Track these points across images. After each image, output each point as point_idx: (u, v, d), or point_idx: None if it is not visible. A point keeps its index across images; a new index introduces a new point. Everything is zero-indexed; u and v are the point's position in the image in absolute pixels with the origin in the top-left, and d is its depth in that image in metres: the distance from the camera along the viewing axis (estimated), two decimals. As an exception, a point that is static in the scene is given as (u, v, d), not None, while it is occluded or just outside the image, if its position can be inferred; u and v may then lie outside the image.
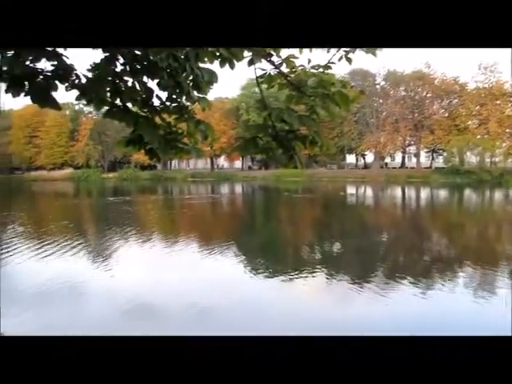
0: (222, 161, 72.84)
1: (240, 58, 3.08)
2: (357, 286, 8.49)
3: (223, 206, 27.77)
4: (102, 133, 67.36)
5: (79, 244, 13.85)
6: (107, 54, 2.98)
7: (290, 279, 9.18)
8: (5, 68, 2.48)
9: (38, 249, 12.93)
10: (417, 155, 58.02)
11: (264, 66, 2.43)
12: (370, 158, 62.87)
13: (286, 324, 6.57)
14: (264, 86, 2.50)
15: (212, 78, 2.90)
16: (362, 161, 65.99)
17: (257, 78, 2.39)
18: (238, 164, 72.66)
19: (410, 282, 8.60)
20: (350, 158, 66.36)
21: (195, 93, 2.93)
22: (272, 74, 2.39)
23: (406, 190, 39.76)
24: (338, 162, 63.03)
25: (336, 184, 45.98)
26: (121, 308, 7.53)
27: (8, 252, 12.54)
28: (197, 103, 2.95)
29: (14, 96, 2.43)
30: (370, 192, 39.97)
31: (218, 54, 3.00)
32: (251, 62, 2.40)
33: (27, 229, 17.95)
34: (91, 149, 67.73)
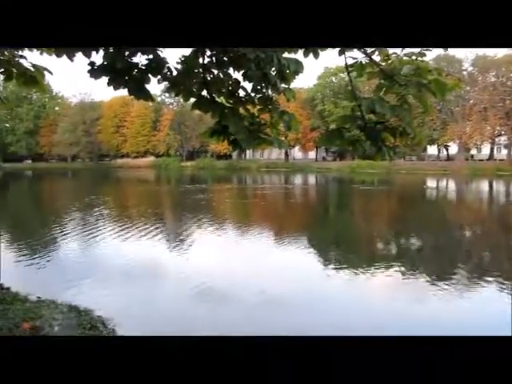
0: (296, 151, 72.53)
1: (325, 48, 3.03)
2: (434, 284, 8.06)
3: (296, 197, 27.71)
4: (181, 123, 70.37)
5: (157, 228, 14.69)
6: (195, 48, 3.09)
7: (363, 274, 8.94)
8: (106, 63, 2.68)
9: (121, 230, 13.97)
10: (508, 146, 53.26)
11: (355, 55, 2.36)
12: (453, 149, 58.92)
13: (353, 319, 6.44)
14: (353, 75, 2.43)
15: (298, 67, 2.89)
16: (445, 152, 62.03)
17: (347, 66, 2.33)
18: (311, 155, 71.94)
19: (494, 282, 7.98)
20: (432, 150, 62.66)
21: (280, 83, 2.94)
22: (363, 62, 2.31)
23: (495, 184, 36.69)
24: (418, 153, 59.84)
25: (415, 176, 43.75)
26: (193, 290, 7.88)
27: (95, 232, 13.71)
28: (281, 94, 2.96)
29: (115, 88, 2.61)
30: (452, 185, 37.49)
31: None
32: (342, 51, 2.34)
33: (112, 212, 19.38)
34: (171, 138, 71.17)
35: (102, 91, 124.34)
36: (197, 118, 69.23)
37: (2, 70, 3.25)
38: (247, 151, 73.38)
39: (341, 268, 9.37)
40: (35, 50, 3.43)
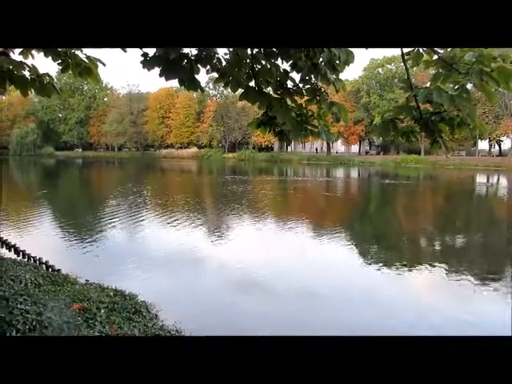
0: (339, 145, 71.40)
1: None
2: (480, 284, 7.70)
3: (337, 190, 27.31)
4: (224, 115, 71.05)
5: (198, 217, 14.97)
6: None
7: (404, 271, 8.70)
8: (158, 54, 2.72)
9: (163, 218, 14.36)
10: None
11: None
12: (506, 144, 55.91)
13: (391, 316, 6.28)
14: (409, 64, 2.32)
15: (348, 57, 2.81)
16: (497, 147, 58.96)
17: (403, 55, 2.23)
18: (354, 148, 70.57)
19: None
20: (483, 145, 59.78)
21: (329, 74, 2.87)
22: (421, 50, 2.20)
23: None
24: (467, 148, 57.30)
25: (464, 172, 41.92)
26: (232, 279, 7.98)
27: (139, 219, 14.17)
28: (331, 84, 2.89)
29: (166, 79, 2.64)
30: (504, 182, 35.61)
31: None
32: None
33: (155, 200, 19.92)
34: (214, 130, 72.05)
35: (149, 83, 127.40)
36: (240, 110, 69.68)
37: (60, 61, 3.38)
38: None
39: (382, 264, 9.15)
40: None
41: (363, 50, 3.03)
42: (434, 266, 8.91)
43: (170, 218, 14.56)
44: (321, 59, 2.93)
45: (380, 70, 61.52)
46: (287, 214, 16.75)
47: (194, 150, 76.46)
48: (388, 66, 60.72)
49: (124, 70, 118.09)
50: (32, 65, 3.36)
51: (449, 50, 2.05)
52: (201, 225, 13.63)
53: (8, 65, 3.09)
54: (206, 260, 9.53)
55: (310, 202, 21.55)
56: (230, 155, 68.41)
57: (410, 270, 8.76)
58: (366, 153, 68.10)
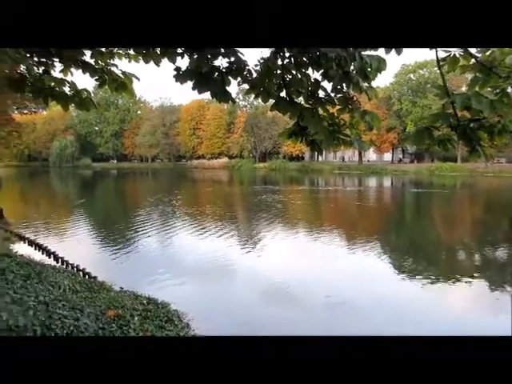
0: (371, 153, 70.30)
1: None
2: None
3: (369, 200, 26.83)
4: (254, 125, 71.51)
5: (229, 227, 15.04)
6: (273, 49, 3.10)
7: (441, 284, 8.40)
8: (190, 67, 2.78)
9: (194, 228, 14.52)
10: None
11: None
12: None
13: (426, 330, 6.05)
14: (444, 69, 2.26)
15: (380, 65, 2.78)
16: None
17: (438, 61, 2.18)
18: (387, 157, 69.28)
19: None
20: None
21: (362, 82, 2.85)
22: (457, 55, 2.14)
23: None
24: (507, 154, 55.08)
25: (504, 180, 40.31)
26: (263, 289, 7.94)
27: (171, 228, 14.38)
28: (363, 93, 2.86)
29: (199, 92, 2.70)
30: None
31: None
32: (434, 45, 2.20)
33: (186, 210, 20.19)
34: (245, 140, 72.62)
35: (181, 95, 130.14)
36: (270, 120, 69.96)
37: (97, 77, 3.51)
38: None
39: (416, 276, 8.88)
40: (124, 58, 3.67)
41: (394, 55, 3.00)
42: (474, 279, 8.58)
43: (201, 227, 14.71)
44: (352, 67, 2.91)
45: (412, 75, 60.33)
46: (319, 223, 16.59)
47: (224, 160, 77.25)
48: (420, 71, 59.47)
49: (156, 84, 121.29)
50: (71, 81, 3.51)
51: (487, 53, 1.99)
52: (232, 235, 13.69)
53: (50, 82, 3.24)
54: (237, 270, 9.54)
55: (341, 211, 21.27)
56: (261, 165, 68.61)
57: (448, 283, 8.46)
58: (399, 161, 66.68)
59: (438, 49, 2.16)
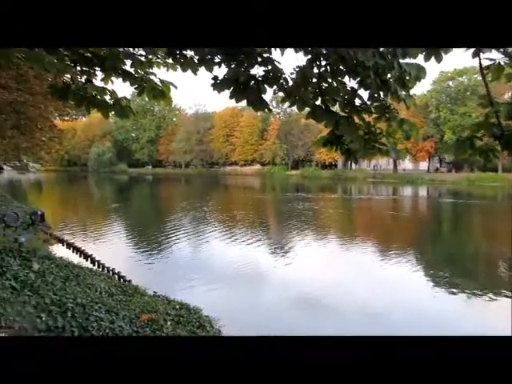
0: (406, 162, 68.72)
1: (449, 50, 2.80)
2: None
3: (404, 209, 26.20)
4: (287, 133, 71.53)
5: (260, 234, 15.05)
6: (310, 57, 3.09)
7: (481, 298, 8.06)
8: (227, 76, 2.81)
9: (226, 234, 14.62)
10: None
11: (492, 56, 2.13)
12: None
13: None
14: (489, 78, 2.19)
15: (420, 73, 2.72)
16: None
17: (481, 69, 2.12)
18: (423, 166, 67.54)
19: None
20: None
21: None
22: (502, 62, 2.07)
23: None
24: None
25: (549, 192, 38.43)
26: (294, 297, 7.89)
27: (203, 234, 14.55)
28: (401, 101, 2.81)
29: (237, 101, 2.72)
30: None
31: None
32: (477, 53, 2.13)
33: (218, 216, 20.37)
34: (277, 147, 72.71)
35: (215, 102, 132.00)
36: (303, 127, 69.79)
37: (136, 85, 3.61)
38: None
39: (455, 290, 8.57)
40: (162, 66, 3.77)
41: (433, 63, 2.93)
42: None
43: (233, 234, 14.79)
44: (389, 75, 2.87)
45: (450, 82, 58.73)
46: (351, 232, 16.34)
47: (257, 167, 77.57)
48: (459, 78, 57.82)
49: (191, 91, 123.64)
50: (112, 90, 3.63)
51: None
52: (263, 242, 13.69)
53: (92, 90, 3.36)
54: (269, 277, 9.52)
55: (374, 220, 20.87)
56: (293, 172, 68.42)
57: (488, 297, 8.12)
58: (436, 170, 64.83)
59: (482, 56, 2.10)
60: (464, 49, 2.50)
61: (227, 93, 2.82)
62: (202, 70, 3.16)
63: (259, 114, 75.70)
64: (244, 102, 3.00)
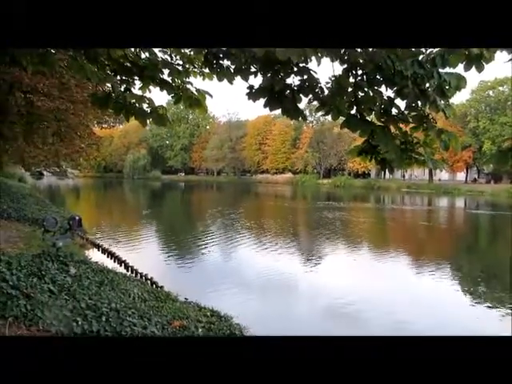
0: (443, 172, 66.76)
1: (490, 59, 2.71)
2: None
3: (440, 221, 25.41)
4: (320, 141, 71.08)
5: (291, 242, 14.96)
6: (346, 66, 3.07)
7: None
8: (263, 85, 2.83)
9: (256, 242, 14.61)
10: None
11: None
12: None
13: None
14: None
15: (460, 83, 2.64)
16: None
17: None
18: (460, 176, 65.43)
19: None
20: None
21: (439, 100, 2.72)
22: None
23: None
24: None
25: None
26: (324, 307, 7.79)
27: (233, 241, 14.61)
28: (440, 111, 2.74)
29: (271, 110, 2.74)
30: None
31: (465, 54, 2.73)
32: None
33: (249, 223, 20.40)
34: (309, 156, 72.36)
35: (248, 111, 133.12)
36: (336, 136, 69.18)
37: (173, 94, 3.69)
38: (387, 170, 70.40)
39: (492, 305, 8.21)
40: (198, 76, 3.83)
41: (473, 72, 2.84)
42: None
43: (262, 241, 14.77)
44: (428, 85, 2.80)
45: (491, 92, 56.89)
46: (384, 243, 15.99)
47: (288, 175, 77.36)
48: (500, 88, 55.96)
49: (225, 99, 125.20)
50: (150, 98, 3.72)
51: None
52: (294, 250, 13.60)
53: (131, 99, 3.45)
54: (299, 286, 9.44)
55: (407, 231, 20.35)
56: (325, 181, 67.81)
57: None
58: (474, 181, 62.64)
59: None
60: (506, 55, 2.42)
61: (261, 101, 2.84)
62: (237, 78, 3.20)
63: (292, 122, 75.67)
64: (277, 110, 3.02)
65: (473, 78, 60.77)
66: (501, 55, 2.53)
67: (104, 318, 3.78)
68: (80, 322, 3.58)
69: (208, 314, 5.62)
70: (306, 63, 2.80)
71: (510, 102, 52.22)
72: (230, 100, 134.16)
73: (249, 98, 2.76)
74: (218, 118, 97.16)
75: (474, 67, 2.70)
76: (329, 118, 3.27)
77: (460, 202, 40.36)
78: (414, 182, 62.51)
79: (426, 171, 63.94)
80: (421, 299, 8.68)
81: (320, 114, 3.39)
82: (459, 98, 61.05)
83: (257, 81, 3.05)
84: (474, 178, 63.94)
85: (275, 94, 2.71)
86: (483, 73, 2.46)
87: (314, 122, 75.54)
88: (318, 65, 2.70)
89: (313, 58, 2.67)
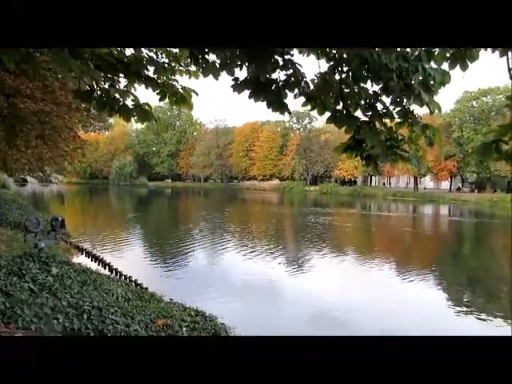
0: (427, 181, 67.68)
1: (475, 59, 2.76)
2: None
3: (424, 228, 25.68)
4: (307, 148, 71.48)
5: (276, 248, 14.96)
6: (332, 63, 3.09)
7: (499, 322, 7.76)
8: (248, 77, 2.83)
9: (242, 247, 14.58)
10: None
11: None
12: None
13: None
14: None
15: (445, 78, 2.68)
16: None
17: (510, 70, 2.07)
18: (444, 185, 66.39)
19: None
20: None
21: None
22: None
23: None
24: None
25: None
26: (308, 313, 7.78)
27: (219, 246, 14.55)
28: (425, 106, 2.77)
29: (255, 100, 2.73)
30: None
31: (448, 54, 2.77)
32: (504, 53, 2.09)
33: (235, 229, 20.36)
34: (296, 163, 72.68)
35: (236, 118, 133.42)
36: (322, 144, 69.70)
37: (158, 90, 3.67)
38: (373, 178, 71.20)
39: (476, 313, 8.28)
40: (184, 74, 3.82)
41: (459, 80, 2.87)
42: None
43: (249, 247, 14.72)
44: (413, 79, 2.83)
45: (474, 102, 58.04)
46: (368, 249, 16.08)
47: (275, 182, 77.53)
48: (484, 98, 57.14)
49: (212, 106, 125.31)
50: (134, 94, 3.69)
51: None
52: (280, 256, 13.58)
53: (115, 93, 3.41)
54: (283, 291, 9.42)
55: (392, 238, 20.51)
56: (312, 188, 68.11)
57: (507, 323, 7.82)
58: (458, 189, 63.63)
59: (510, 56, 2.05)
60: (493, 56, 2.46)
61: (249, 108, 2.83)
62: (223, 82, 3.19)
63: (279, 129, 75.97)
64: (264, 117, 3.03)
65: (458, 88, 61.83)
66: (483, 63, 2.58)
67: (86, 316, 3.70)
68: (61, 320, 3.50)
69: (192, 313, 5.56)
70: (292, 55, 2.81)
71: (493, 113, 53.33)
72: (218, 107, 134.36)
73: (234, 90, 2.75)
74: (206, 124, 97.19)
75: (458, 66, 2.75)
76: (315, 125, 3.29)
77: (444, 210, 40.90)
78: (400, 190, 63.19)
79: (412, 180, 64.78)
80: (403, 303, 8.75)
81: (307, 120, 3.40)
82: (444, 108, 62.13)
83: (243, 74, 3.05)
84: (458, 187, 64.97)
85: (260, 86, 2.71)
86: (467, 82, 2.48)
87: (301, 129, 76.03)
88: (307, 56, 2.72)
89: (295, 50, 2.71)
